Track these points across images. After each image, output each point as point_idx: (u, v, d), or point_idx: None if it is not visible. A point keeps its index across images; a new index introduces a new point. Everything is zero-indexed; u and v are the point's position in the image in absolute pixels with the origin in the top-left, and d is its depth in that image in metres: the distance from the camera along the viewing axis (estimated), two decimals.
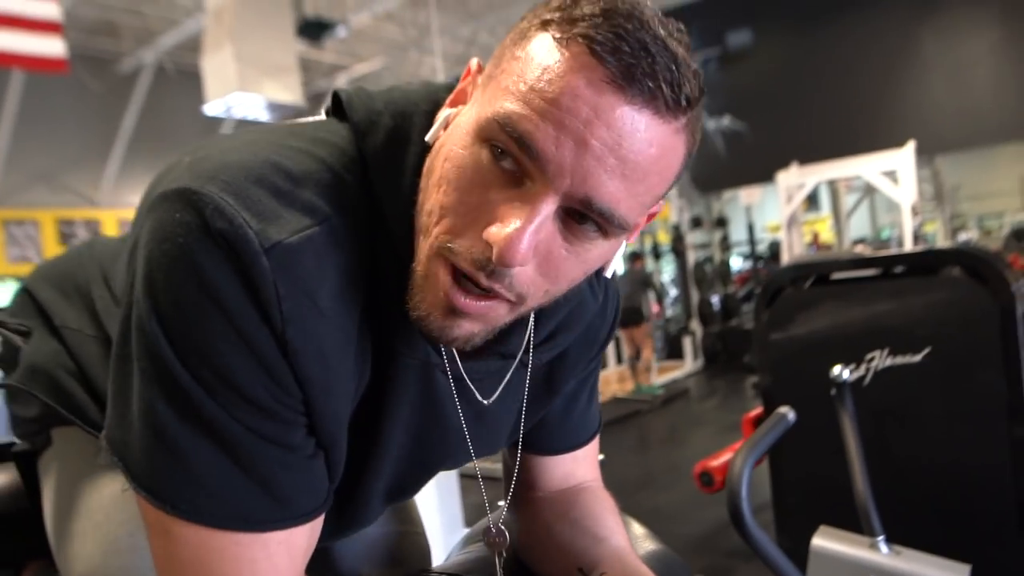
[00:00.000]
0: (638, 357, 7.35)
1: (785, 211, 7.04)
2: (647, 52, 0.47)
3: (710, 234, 10.62)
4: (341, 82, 10.47)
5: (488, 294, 0.52)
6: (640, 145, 0.48)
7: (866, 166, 6.53)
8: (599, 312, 0.74)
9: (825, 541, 1.59)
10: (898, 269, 2.02)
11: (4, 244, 8.56)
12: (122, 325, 0.54)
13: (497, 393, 0.68)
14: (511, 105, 0.48)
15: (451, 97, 0.58)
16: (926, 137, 7.08)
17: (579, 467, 0.82)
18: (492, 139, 0.49)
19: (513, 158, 0.49)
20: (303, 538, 0.56)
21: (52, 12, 4.92)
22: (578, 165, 0.47)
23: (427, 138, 0.56)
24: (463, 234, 0.51)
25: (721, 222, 10.66)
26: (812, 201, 11.59)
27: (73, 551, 0.75)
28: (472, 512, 2.91)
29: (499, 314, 0.54)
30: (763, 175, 8.00)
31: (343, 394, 0.56)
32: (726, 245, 10.52)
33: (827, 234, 11.70)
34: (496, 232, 0.48)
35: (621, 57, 0.46)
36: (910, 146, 6.25)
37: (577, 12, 0.49)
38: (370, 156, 0.57)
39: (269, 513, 0.53)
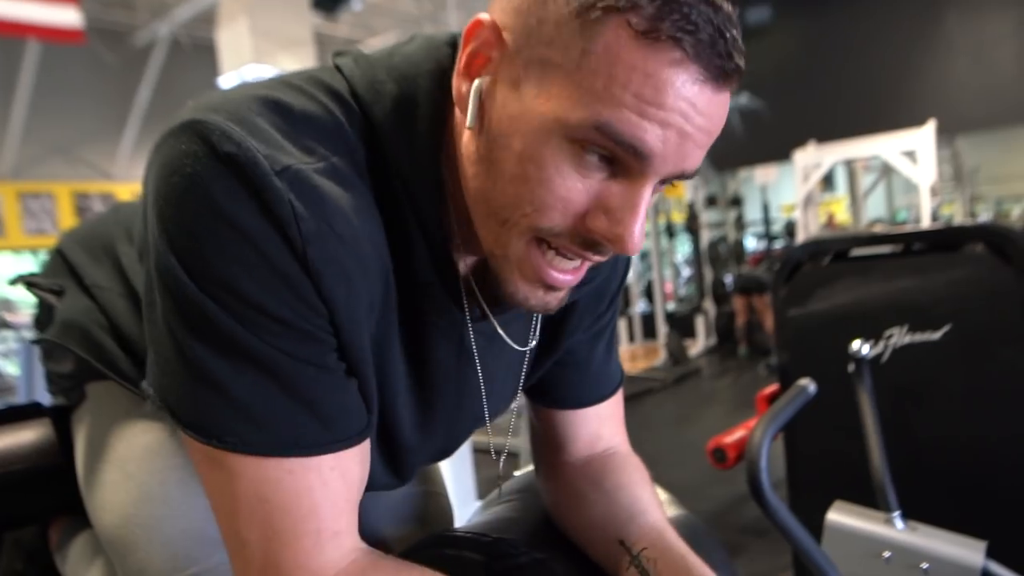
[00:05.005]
0: (752, 328, 7.42)
1: (801, 190, 6.97)
2: (719, 33, 0.48)
3: (724, 213, 10.55)
4: None
5: (578, 265, 0.56)
6: (720, 116, 0.51)
7: (885, 145, 6.45)
8: (610, 264, 0.74)
9: (840, 516, 1.58)
10: (919, 246, 1.99)
11: (21, 217, 8.62)
12: (146, 275, 0.55)
13: (529, 339, 0.70)
14: (611, 111, 0.48)
15: (465, 60, 0.55)
16: (947, 117, 6.96)
17: (605, 427, 0.83)
18: (589, 141, 0.50)
19: (614, 157, 0.50)
20: (355, 464, 0.56)
21: None
22: (679, 151, 0.50)
23: (468, 124, 0.54)
24: (562, 223, 0.52)
25: (736, 201, 10.58)
26: (828, 182, 11.46)
27: (104, 500, 0.77)
28: (485, 486, 2.93)
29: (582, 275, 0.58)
30: (779, 154, 7.91)
31: (365, 324, 0.56)
32: (741, 224, 10.44)
33: (843, 215, 11.59)
34: (612, 229, 0.52)
35: (711, 56, 0.48)
36: (930, 125, 6.16)
37: None
38: (378, 123, 0.56)
39: (318, 436, 0.53)
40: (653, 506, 0.76)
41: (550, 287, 0.56)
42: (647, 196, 0.52)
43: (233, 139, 0.49)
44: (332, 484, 0.53)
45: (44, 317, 0.87)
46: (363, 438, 0.57)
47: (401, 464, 0.69)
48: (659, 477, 0.80)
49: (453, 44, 0.60)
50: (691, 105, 0.48)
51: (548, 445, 0.82)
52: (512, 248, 0.55)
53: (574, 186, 0.51)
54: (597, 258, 0.55)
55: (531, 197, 0.52)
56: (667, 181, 0.53)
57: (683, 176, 0.52)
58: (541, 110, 0.50)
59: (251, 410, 0.51)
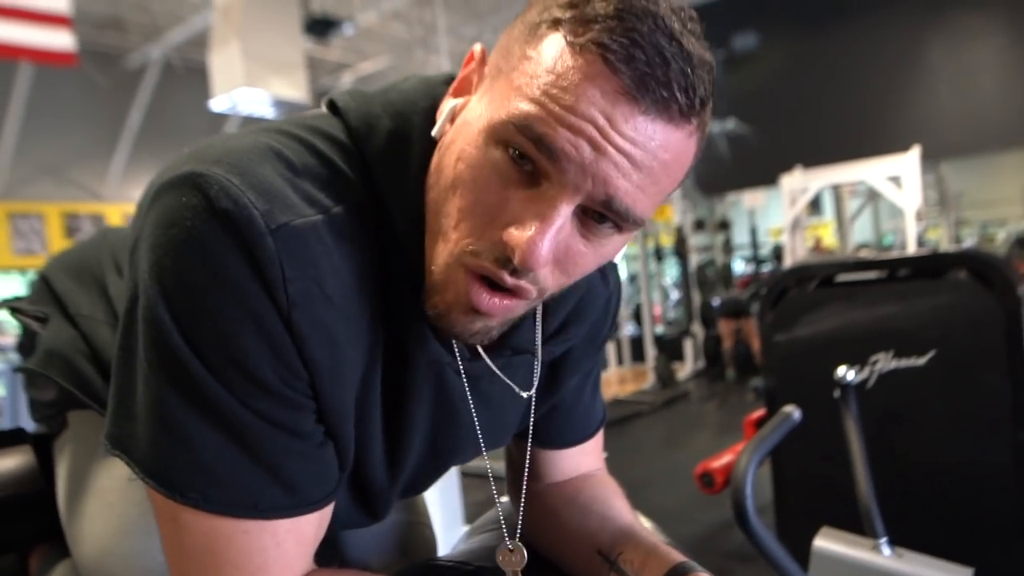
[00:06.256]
0: (739, 351, 7.42)
1: (788, 215, 7.03)
2: (662, 59, 0.46)
3: (713, 237, 10.61)
4: (347, 80, 10.48)
5: (510, 292, 0.52)
6: (654, 151, 0.48)
7: (871, 171, 6.52)
8: (603, 306, 0.74)
9: (827, 542, 1.58)
10: (903, 272, 2.02)
11: (10, 237, 8.58)
12: (125, 317, 0.55)
13: (519, 386, 0.68)
14: (527, 107, 0.48)
15: (454, 86, 0.58)
16: (931, 142, 7.06)
17: (585, 459, 0.83)
18: (508, 141, 0.49)
19: (531, 159, 0.49)
20: (312, 525, 0.57)
21: (60, 5, 4.91)
22: (597, 168, 0.47)
23: (434, 132, 0.56)
24: (483, 236, 0.51)
25: (724, 225, 10.65)
26: (815, 206, 11.57)
27: (84, 531, 0.77)
28: (471, 510, 2.91)
29: (518, 309, 0.55)
30: (767, 178, 7.99)
31: (350, 384, 0.56)
32: (729, 248, 10.50)
33: (830, 239, 11.68)
34: (517, 235, 0.49)
35: (635, 67, 0.46)
36: (915, 151, 6.24)
37: (590, 11, 0.48)
38: (372, 159, 0.57)
39: (278, 501, 0.53)
40: (624, 511, 0.77)
41: (472, 310, 0.53)
42: (562, 211, 0.49)
43: (231, 195, 0.49)
44: (285, 545, 0.54)
45: (27, 343, 0.87)
46: (327, 503, 0.57)
47: (375, 505, 0.69)
48: (647, 501, 0.80)
49: (449, 83, 0.61)
50: (608, 119, 0.46)
51: (526, 476, 0.82)
52: (441, 268, 0.53)
53: (498, 193, 0.50)
54: (513, 281, 0.51)
55: (461, 203, 0.51)
56: (595, 214, 0.51)
57: (610, 207, 0.49)
58: (479, 112, 0.52)
59: (215, 469, 0.51)
